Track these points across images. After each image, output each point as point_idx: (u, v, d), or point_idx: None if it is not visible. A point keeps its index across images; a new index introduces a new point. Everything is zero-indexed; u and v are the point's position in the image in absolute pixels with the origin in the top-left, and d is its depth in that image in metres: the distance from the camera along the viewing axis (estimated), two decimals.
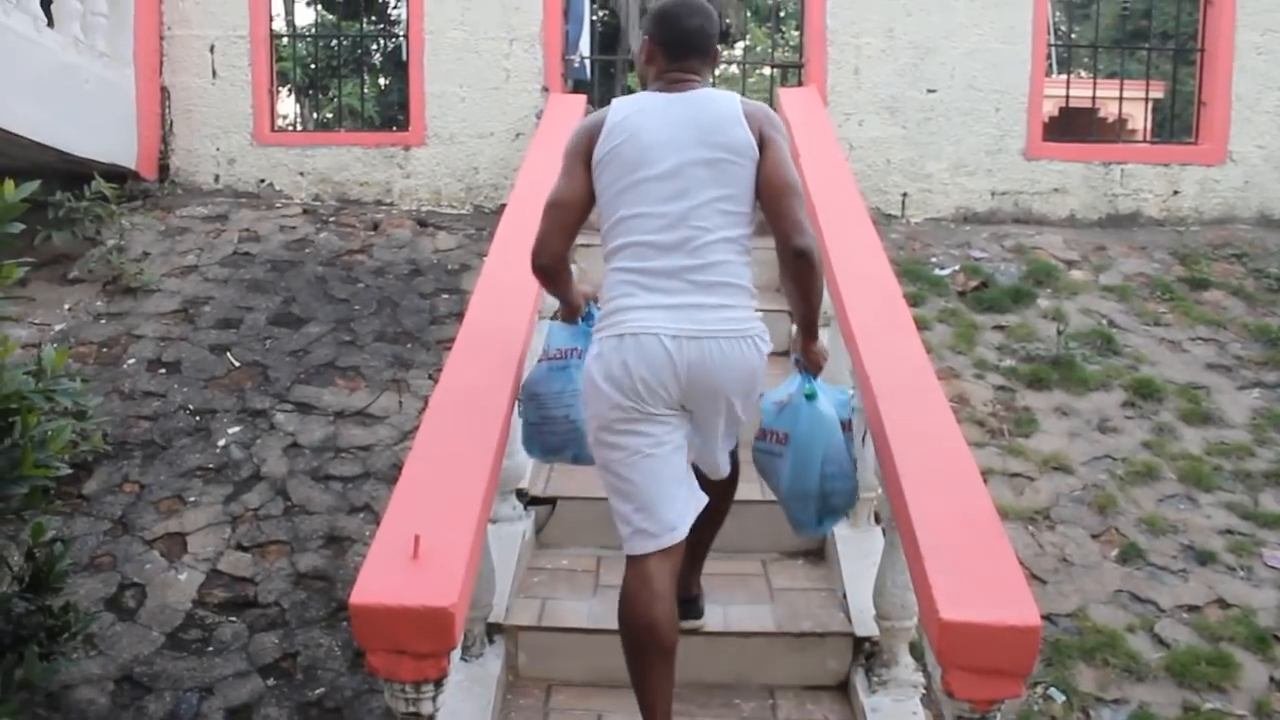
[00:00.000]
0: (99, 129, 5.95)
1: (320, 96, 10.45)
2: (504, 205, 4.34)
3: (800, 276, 2.76)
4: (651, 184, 2.74)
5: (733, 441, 3.01)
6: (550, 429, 3.24)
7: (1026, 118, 6.64)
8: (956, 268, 5.98)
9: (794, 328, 3.22)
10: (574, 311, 3.21)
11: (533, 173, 4.87)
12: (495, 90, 6.57)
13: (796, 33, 8.99)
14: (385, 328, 5.26)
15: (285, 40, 9.97)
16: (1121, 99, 7.39)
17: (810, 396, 3.03)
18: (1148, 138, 8.48)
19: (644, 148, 2.75)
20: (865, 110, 6.58)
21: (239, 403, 4.75)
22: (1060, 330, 5.30)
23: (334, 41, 10.35)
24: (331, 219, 6.26)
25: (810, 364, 3.06)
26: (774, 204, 2.73)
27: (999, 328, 5.51)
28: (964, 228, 6.56)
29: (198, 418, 4.67)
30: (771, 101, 6.08)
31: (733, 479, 3.15)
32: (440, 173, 6.62)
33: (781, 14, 12.93)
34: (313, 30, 11.18)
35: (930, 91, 6.59)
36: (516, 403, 3.27)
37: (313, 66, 9.69)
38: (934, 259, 6.08)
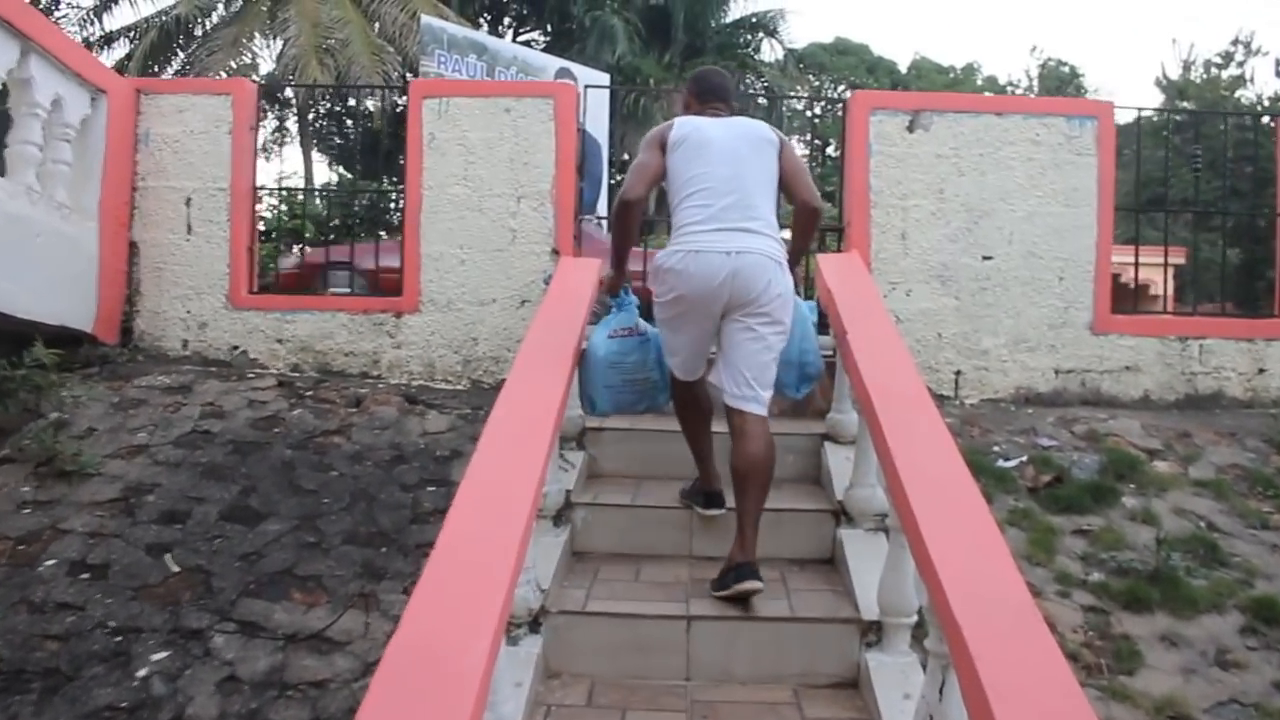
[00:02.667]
0: (48, 287, 5.36)
1: None
2: (504, 381, 3.73)
3: (807, 225, 4.24)
4: (713, 157, 3.98)
5: (771, 368, 4.04)
6: (631, 389, 4.50)
7: (1093, 288, 6.01)
8: (1024, 459, 5.23)
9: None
10: (620, 279, 4.50)
11: (533, 348, 4.21)
12: (500, 252, 5.98)
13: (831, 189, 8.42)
14: (357, 527, 4.51)
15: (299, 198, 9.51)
16: (1137, 264, 6.69)
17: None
18: (1169, 305, 7.78)
19: (706, 138, 4.03)
20: (914, 279, 5.95)
21: (171, 620, 3.97)
22: (1160, 539, 4.51)
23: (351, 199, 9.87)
24: (309, 393, 5.58)
25: (794, 278, 4.18)
26: (794, 180, 4.09)
27: (1081, 532, 4.73)
28: (1026, 411, 5.84)
29: (118, 639, 3.88)
30: (808, 269, 5.43)
31: (770, 455, 4.03)
32: (434, 343, 5.99)
33: (818, 170, 12.53)
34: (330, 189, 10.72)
35: (986, 259, 5.97)
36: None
37: (332, 224, 9.20)
38: (996, 448, 5.34)
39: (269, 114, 23.06)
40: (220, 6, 24.03)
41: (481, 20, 24.76)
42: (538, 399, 3.75)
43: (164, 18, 22.39)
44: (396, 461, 4.98)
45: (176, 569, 4.22)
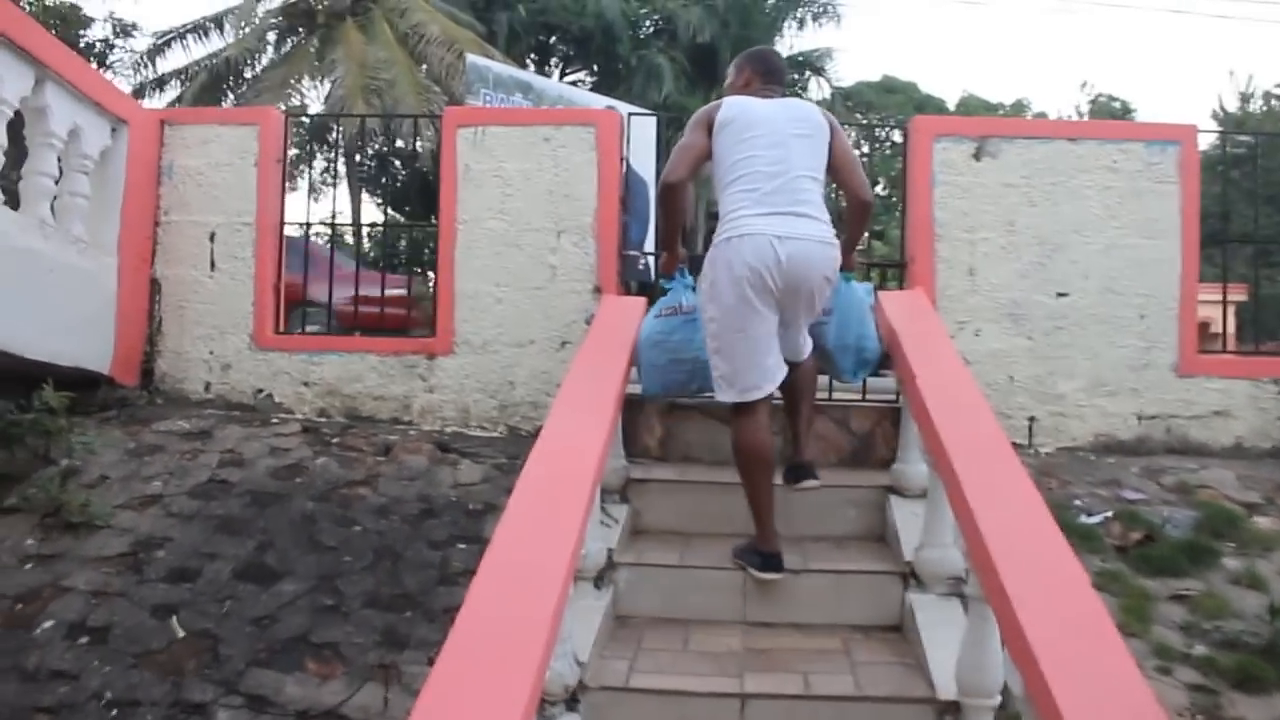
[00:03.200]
0: (62, 326, 5.09)
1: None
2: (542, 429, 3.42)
3: (860, 218, 4.23)
4: (761, 139, 3.93)
5: (807, 340, 4.25)
6: (679, 368, 4.53)
7: (1178, 326, 5.57)
8: (1108, 514, 4.79)
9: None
10: (673, 260, 4.47)
11: (575, 390, 3.89)
12: (538, 290, 5.64)
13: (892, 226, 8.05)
14: (380, 588, 4.16)
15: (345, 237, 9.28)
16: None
17: (847, 280, 4.48)
18: (1229, 344, 7.24)
19: (754, 119, 3.98)
20: (982, 318, 5.54)
21: (173, 692, 3.64)
22: (1274, 608, 4.05)
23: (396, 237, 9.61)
24: (335, 440, 5.26)
25: (847, 266, 4.29)
26: (845, 170, 4.08)
27: (1179, 598, 4.28)
28: (1107, 460, 5.40)
29: (114, 712, 3.55)
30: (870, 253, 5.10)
31: (814, 370, 4.42)
32: (469, 387, 5.66)
33: (885, 194, 12.15)
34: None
35: (1060, 295, 5.56)
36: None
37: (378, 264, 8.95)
38: (1077, 501, 4.90)
39: (318, 154, 23.18)
40: (270, 49, 24.36)
41: (528, 61, 24.88)
42: (576, 449, 3.43)
43: (214, 60, 22.70)
44: (425, 516, 4.64)
45: (182, 633, 3.89)
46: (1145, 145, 5.57)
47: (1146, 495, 4.97)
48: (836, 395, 5.41)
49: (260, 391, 5.74)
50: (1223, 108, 23.64)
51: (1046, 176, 5.57)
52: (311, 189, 25.62)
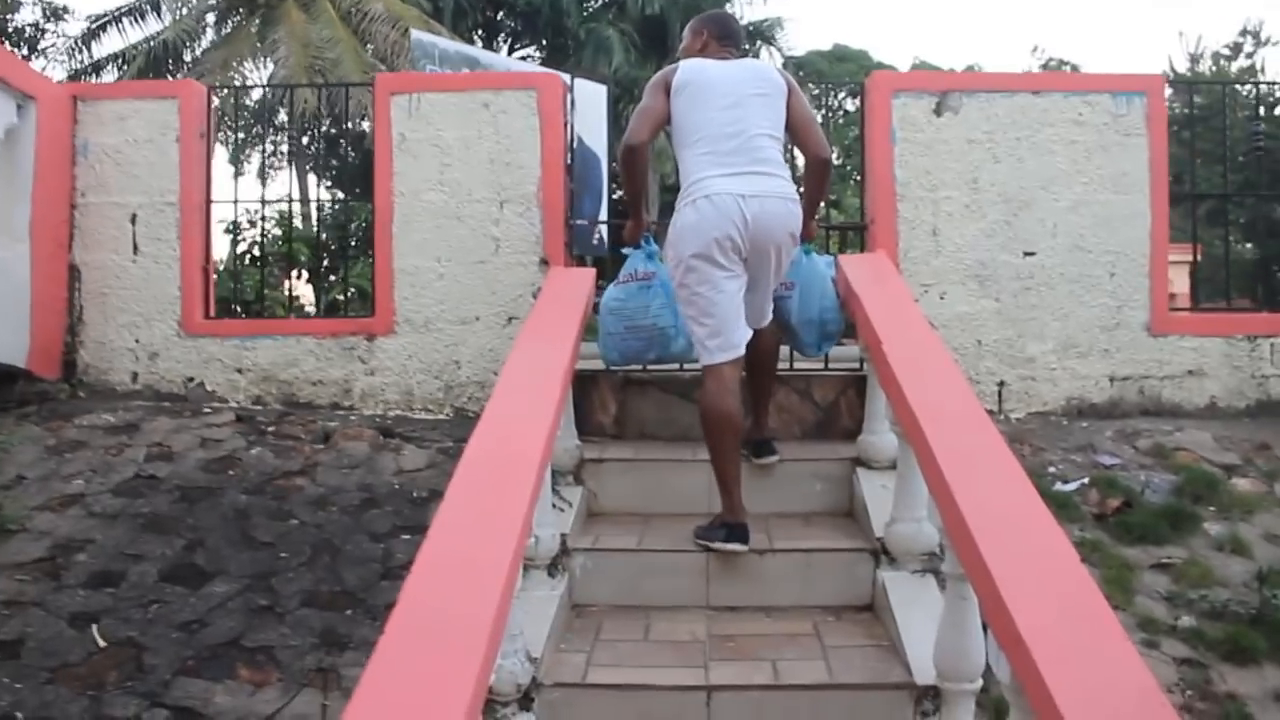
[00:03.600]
0: None
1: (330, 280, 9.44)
2: None
3: (819, 176, 4.14)
4: (718, 100, 3.91)
5: (771, 302, 4.20)
6: (635, 335, 4.46)
7: (1149, 284, 5.40)
8: (1084, 480, 4.61)
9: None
10: (638, 227, 4.41)
11: (519, 367, 3.65)
12: (482, 264, 5.37)
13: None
14: (318, 585, 3.90)
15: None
16: None
17: (807, 253, 4.43)
18: (1191, 303, 7.07)
19: (711, 80, 3.96)
20: (948, 280, 5.34)
21: (92, 707, 3.35)
22: (1262, 575, 3.88)
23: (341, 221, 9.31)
24: (270, 429, 4.97)
25: (807, 235, 4.23)
26: (803, 128, 4.04)
27: (1161, 566, 4.11)
28: (1080, 424, 5.22)
29: None
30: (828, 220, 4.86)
31: (775, 342, 4.44)
32: (412, 368, 5.38)
33: (839, 163, 11.92)
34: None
35: (1028, 255, 5.37)
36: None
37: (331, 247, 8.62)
38: (1052, 468, 4.72)
39: (265, 139, 22.78)
40: (209, 31, 23.89)
41: (475, 37, 24.60)
42: (520, 430, 3.19)
43: (151, 43, 22.20)
44: (366, 506, 4.37)
45: (103, 643, 3.60)
46: (1111, 96, 5.37)
47: (1122, 460, 4.80)
48: (798, 365, 5.20)
49: (191, 380, 5.44)
50: (1172, 69, 23.62)
51: (1010, 131, 5.36)
52: (262, 173, 25.20)
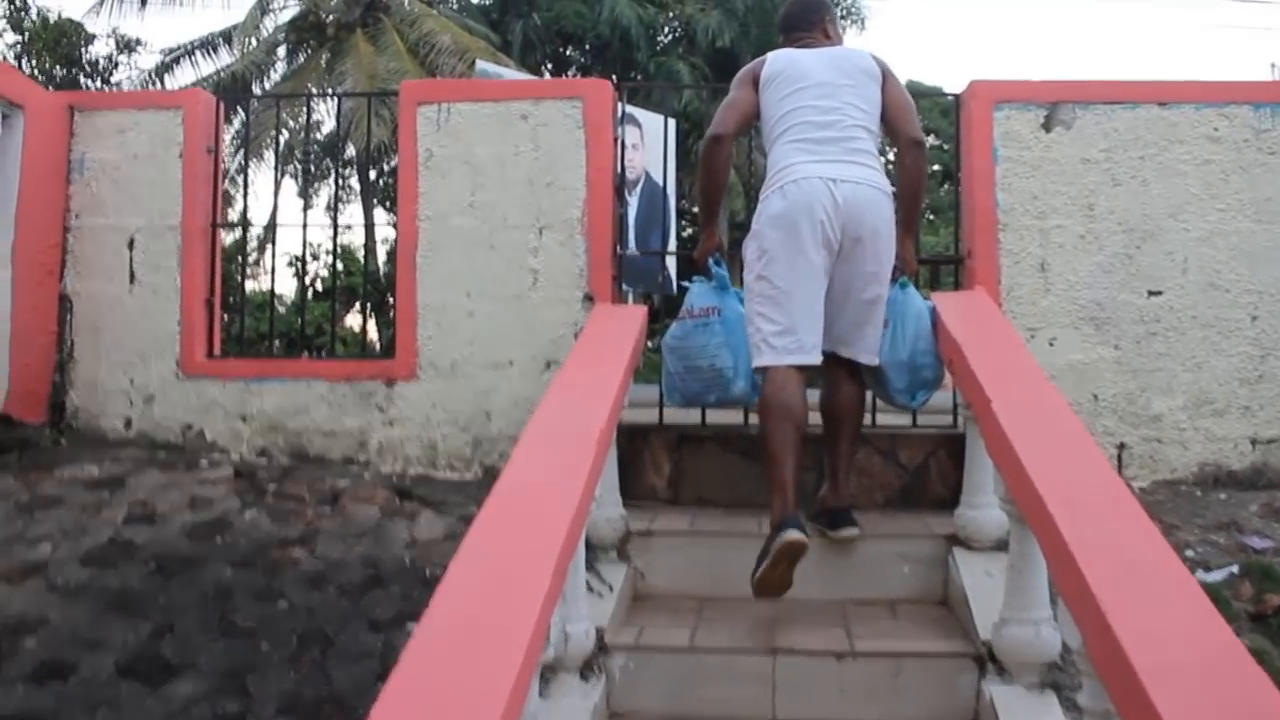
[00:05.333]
0: None
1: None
2: None
3: (914, 164, 3.88)
4: (810, 90, 3.76)
5: (873, 324, 3.79)
6: (694, 377, 4.06)
7: None
8: (1233, 569, 3.84)
9: None
10: (710, 241, 4.10)
11: (549, 420, 3.08)
12: (517, 300, 4.74)
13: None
14: (301, 687, 3.26)
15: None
16: None
17: (903, 286, 3.92)
18: None
19: (802, 70, 3.81)
20: (1058, 323, 4.61)
21: None
22: None
23: None
24: (272, 487, 4.38)
25: (904, 263, 3.89)
26: (898, 115, 3.82)
27: None
28: (1218, 496, 4.45)
29: None
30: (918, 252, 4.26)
31: (861, 397, 3.98)
32: (436, 419, 4.75)
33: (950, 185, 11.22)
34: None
35: (1153, 294, 4.61)
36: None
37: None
38: (1190, 552, 3.95)
39: (334, 170, 22.92)
40: (280, 64, 24.18)
41: (544, 70, 24.48)
42: (544, 498, 2.59)
43: (220, 75, 22.47)
44: (370, 585, 3.73)
45: None
46: (1253, 108, 4.62)
47: (1275, 542, 4.02)
48: (881, 420, 4.52)
49: (189, 428, 4.86)
50: None
51: (1132, 149, 4.62)
52: (329, 207, 25.32)
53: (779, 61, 3.86)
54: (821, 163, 3.63)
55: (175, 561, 3.86)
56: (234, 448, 4.83)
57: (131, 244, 4.94)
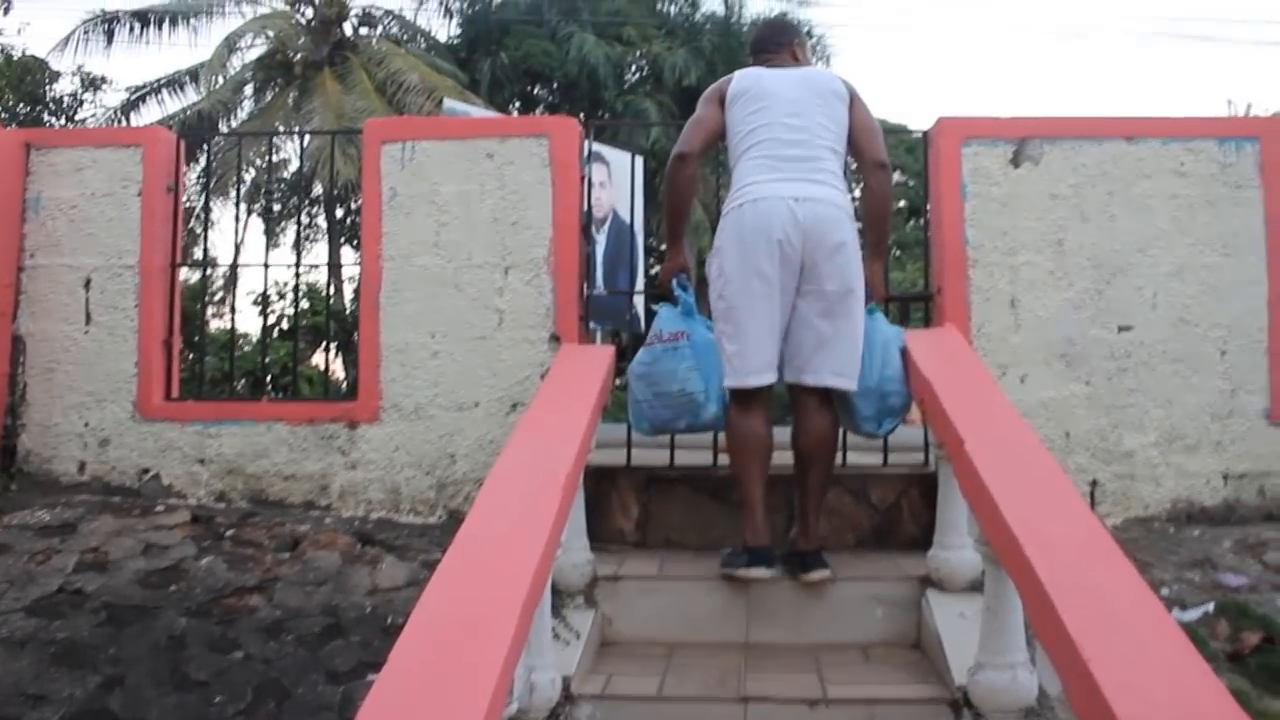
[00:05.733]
0: None
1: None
2: None
3: (880, 186, 3.87)
4: (777, 108, 3.73)
5: (850, 344, 3.70)
6: (663, 403, 3.90)
7: (1268, 362, 4.59)
8: (1208, 608, 3.78)
9: None
10: (675, 262, 4.03)
11: (513, 464, 3.00)
12: (483, 340, 4.65)
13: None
14: None
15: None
16: None
17: (871, 312, 3.85)
18: None
19: (769, 88, 3.79)
20: (1029, 360, 4.57)
21: None
22: None
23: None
24: (229, 532, 4.25)
25: (873, 287, 3.84)
26: (864, 137, 3.81)
27: None
28: (1191, 532, 4.40)
29: None
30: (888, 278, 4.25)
31: (833, 434, 3.85)
32: (400, 461, 4.65)
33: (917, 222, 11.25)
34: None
35: (1123, 329, 4.58)
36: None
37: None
38: (1165, 590, 3.89)
39: (303, 209, 22.83)
40: (248, 102, 24.11)
41: (512, 109, 24.49)
42: (509, 547, 2.50)
43: (187, 113, 22.36)
44: (329, 635, 3.61)
45: None
46: (1218, 143, 4.62)
47: (1250, 579, 3.97)
48: (852, 460, 4.47)
49: (146, 472, 4.73)
50: None
51: (1100, 184, 4.61)
52: (297, 244, 25.19)
53: (746, 79, 3.84)
54: (784, 181, 3.63)
55: (127, 611, 3.73)
56: (191, 492, 4.70)
57: (88, 284, 4.82)
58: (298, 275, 5.47)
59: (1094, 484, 4.52)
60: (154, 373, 4.77)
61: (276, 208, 23.69)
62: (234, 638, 3.58)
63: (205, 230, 12.68)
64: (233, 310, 6.01)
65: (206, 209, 13.63)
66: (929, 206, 4.80)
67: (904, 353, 3.83)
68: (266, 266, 5.20)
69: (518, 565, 2.40)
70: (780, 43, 4.05)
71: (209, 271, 16.84)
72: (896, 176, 22.61)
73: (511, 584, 2.30)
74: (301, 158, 17.09)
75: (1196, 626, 3.69)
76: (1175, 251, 4.60)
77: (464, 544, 2.49)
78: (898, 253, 27.42)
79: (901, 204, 26.21)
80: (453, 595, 2.28)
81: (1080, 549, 2.42)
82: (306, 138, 20.13)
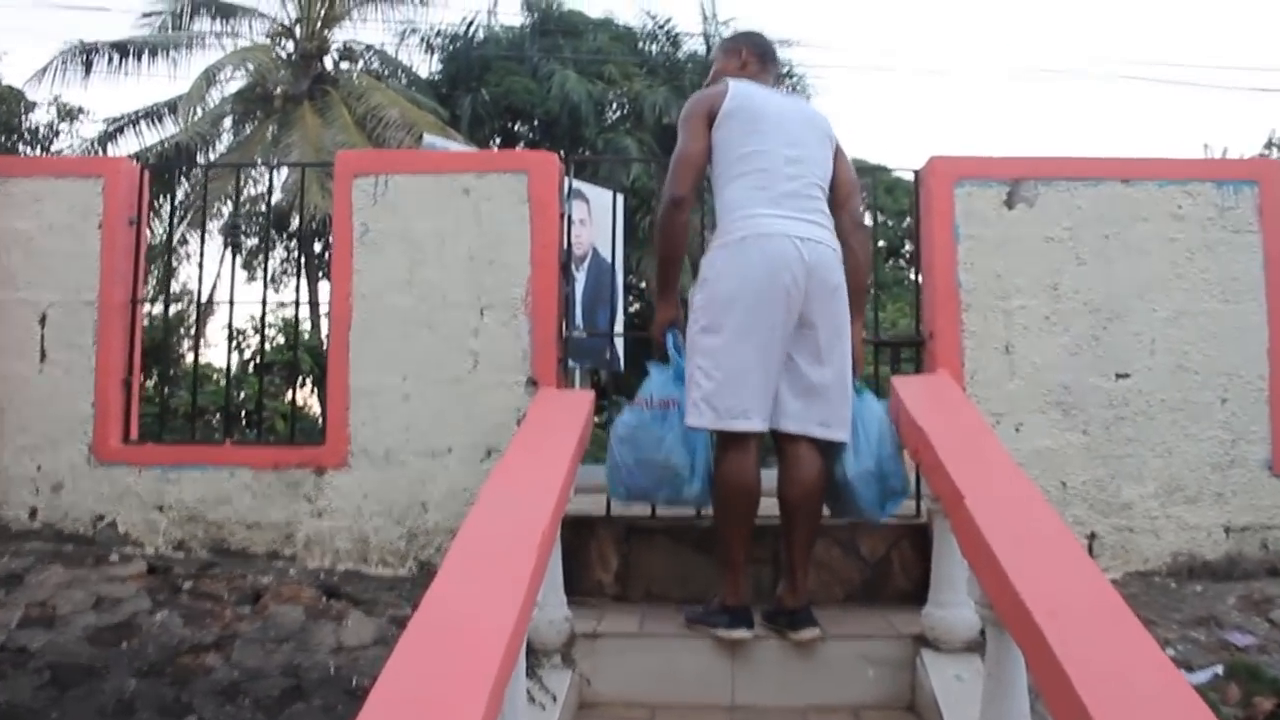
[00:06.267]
0: None
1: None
2: None
3: (862, 247, 3.81)
4: (776, 134, 3.58)
5: (844, 393, 3.62)
6: (645, 472, 3.68)
7: (1269, 411, 4.44)
8: (1217, 670, 3.60)
9: None
10: (668, 313, 3.84)
11: (487, 518, 2.82)
12: (457, 383, 4.44)
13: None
14: None
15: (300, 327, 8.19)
16: None
17: (859, 392, 3.76)
18: None
19: (766, 111, 3.62)
20: (1024, 408, 4.41)
21: None
22: None
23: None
24: (187, 585, 4.03)
25: (854, 348, 3.71)
26: (848, 191, 3.78)
27: None
28: (1193, 588, 4.23)
29: None
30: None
31: (821, 487, 3.62)
32: (368, 510, 4.43)
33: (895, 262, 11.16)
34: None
35: (1121, 377, 4.43)
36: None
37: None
38: (1170, 650, 3.71)
39: (277, 244, 22.74)
40: (226, 135, 24.03)
41: (493, 144, 24.56)
42: (482, 609, 2.33)
43: (165, 145, 22.22)
44: (289, 698, 3.38)
45: None
46: (1216, 186, 4.50)
47: (1258, 638, 3.80)
48: None
49: (101, 519, 4.50)
50: None
51: (1096, 227, 4.47)
52: (273, 280, 25.08)
53: (739, 96, 3.64)
54: (788, 219, 3.49)
55: (73, 671, 3.49)
56: (149, 541, 4.47)
57: (44, 319, 4.60)
58: (264, 311, 5.27)
59: (1092, 536, 4.35)
60: (112, 414, 4.55)
61: (253, 242, 23.56)
62: (187, 701, 3.35)
63: (168, 265, 12.48)
64: (196, 348, 5.81)
65: (169, 243, 13.41)
66: (921, 248, 4.64)
67: (894, 401, 3.69)
68: (232, 304, 5.01)
69: (491, 630, 2.22)
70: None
71: (184, 306, 16.76)
72: (875, 217, 22.66)
73: (482, 658, 2.11)
74: (269, 190, 16.96)
75: (1207, 690, 3.51)
76: (1173, 296, 4.46)
77: (431, 608, 2.30)
78: (878, 293, 27.45)
79: (880, 244, 26.22)
80: (422, 660, 2.09)
81: (1094, 616, 2.26)
82: (281, 171, 20.10)
